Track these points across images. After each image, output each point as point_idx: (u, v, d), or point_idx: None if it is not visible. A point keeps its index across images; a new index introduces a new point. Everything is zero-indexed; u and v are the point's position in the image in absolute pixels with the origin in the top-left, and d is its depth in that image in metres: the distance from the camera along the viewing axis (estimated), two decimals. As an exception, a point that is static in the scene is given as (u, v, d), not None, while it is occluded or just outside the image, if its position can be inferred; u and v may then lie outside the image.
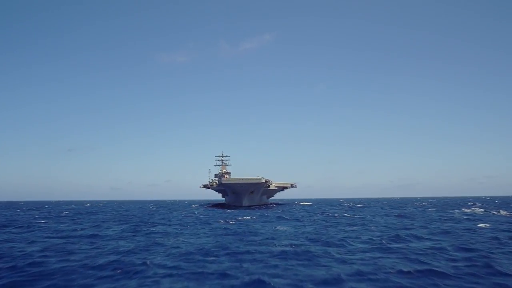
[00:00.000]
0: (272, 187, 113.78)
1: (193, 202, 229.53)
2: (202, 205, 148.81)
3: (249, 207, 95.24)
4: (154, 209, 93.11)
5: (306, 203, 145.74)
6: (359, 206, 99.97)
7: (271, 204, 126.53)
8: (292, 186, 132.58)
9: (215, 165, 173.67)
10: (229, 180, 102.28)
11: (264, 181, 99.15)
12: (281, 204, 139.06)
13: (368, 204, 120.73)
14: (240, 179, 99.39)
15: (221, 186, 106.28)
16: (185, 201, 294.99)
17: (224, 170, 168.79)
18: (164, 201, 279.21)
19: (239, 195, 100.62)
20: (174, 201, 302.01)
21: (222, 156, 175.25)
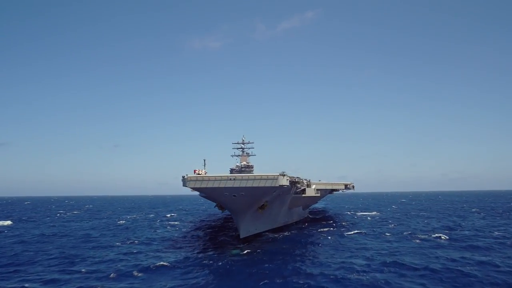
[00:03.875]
0: (309, 192, 48.06)
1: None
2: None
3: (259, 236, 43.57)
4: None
5: (367, 213, 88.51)
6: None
7: (307, 218, 69.04)
8: (347, 187, 66.36)
9: (232, 156, 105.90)
10: (199, 178, 38.49)
11: (286, 180, 34.41)
12: (327, 216, 69.55)
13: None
14: (222, 177, 35.78)
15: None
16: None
17: (245, 163, 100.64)
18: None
19: (234, 214, 41.88)
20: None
21: (243, 143, 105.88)
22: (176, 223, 67.98)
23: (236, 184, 36.94)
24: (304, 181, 46.39)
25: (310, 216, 79.99)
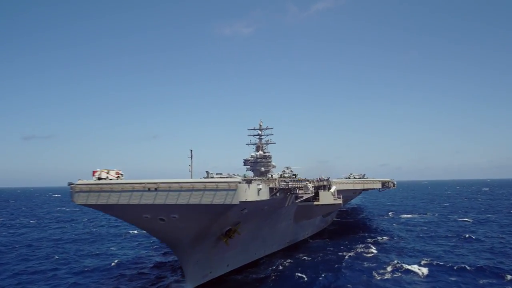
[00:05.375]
0: (325, 198, 25.84)
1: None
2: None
3: None
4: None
5: (416, 216, 67.41)
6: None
7: (331, 226, 51.94)
8: (385, 185, 43.87)
9: (247, 144, 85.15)
10: (93, 188, 18.02)
11: (259, 191, 13.02)
12: (360, 221, 57.75)
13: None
14: (134, 185, 14.67)
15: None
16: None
17: (261, 152, 79.45)
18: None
19: (173, 249, 23.09)
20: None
21: (260, 129, 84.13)
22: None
23: (160, 199, 18.30)
24: (309, 185, 27.01)
25: (336, 220, 59.86)
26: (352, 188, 42.68)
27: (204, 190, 17.75)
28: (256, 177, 25.19)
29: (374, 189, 48.64)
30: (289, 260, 30.99)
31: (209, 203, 17.79)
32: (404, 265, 29.03)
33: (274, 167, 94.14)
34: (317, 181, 32.63)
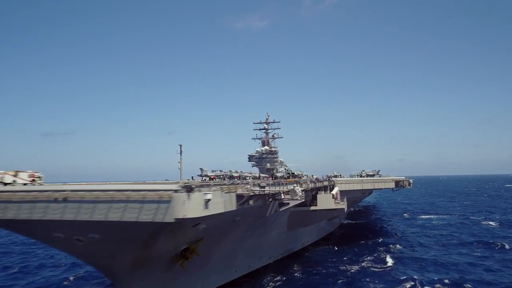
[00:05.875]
0: (324, 201, 19.04)
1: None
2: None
3: None
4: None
5: (434, 217, 60.38)
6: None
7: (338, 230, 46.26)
8: (399, 184, 36.85)
9: (253, 139, 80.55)
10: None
11: (209, 202, 7.90)
12: (372, 224, 50.49)
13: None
14: (38, 194, 9.17)
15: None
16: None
17: (266, 148, 74.10)
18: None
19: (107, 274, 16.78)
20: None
21: (266, 122, 79.81)
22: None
23: (70, 213, 12.88)
24: (297, 189, 20.90)
25: (345, 223, 53.68)
26: (361, 189, 36.56)
27: (127, 201, 12.31)
28: (205, 183, 19.22)
29: (386, 189, 42.45)
30: (279, 278, 25.30)
31: (134, 220, 12.37)
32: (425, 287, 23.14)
33: (281, 163, 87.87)
34: (314, 181, 26.63)
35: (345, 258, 31.11)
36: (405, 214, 64.54)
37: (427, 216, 61.62)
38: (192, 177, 52.56)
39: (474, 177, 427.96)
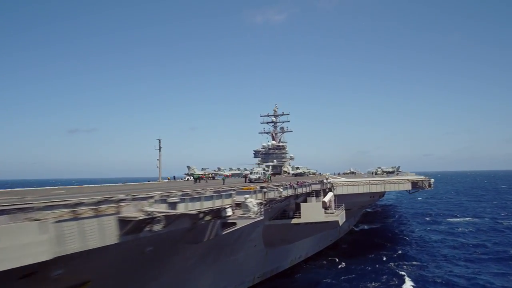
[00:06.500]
0: (309, 213, 10.98)
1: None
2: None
3: None
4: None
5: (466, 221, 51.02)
6: None
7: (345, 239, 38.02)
8: (418, 185, 28.55)
9: (261, 133, 73.16)
10: None
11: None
12: (387, 231, 44.11)
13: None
14: None
15: None
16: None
17: (274, 142, 65.30)
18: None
19: None
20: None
21: (274, 115, 71.85)
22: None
23: None
24: (250, 202, 13.84)
25: (357, 229, 46.35)
26: (368, 192, 29.23)
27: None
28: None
29: (401, 191, 34.95)
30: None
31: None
32: None
33: (291, 159, 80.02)
34: (294, 186, 19.32)
35: (346, 280, 24.23)
36: (427, 218, 56.48)
37: (452, 219, 53.59)
38: (174, 176, 45.99)
39: (506, 172, 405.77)
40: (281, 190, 16.46)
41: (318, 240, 29.81)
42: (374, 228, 47.82)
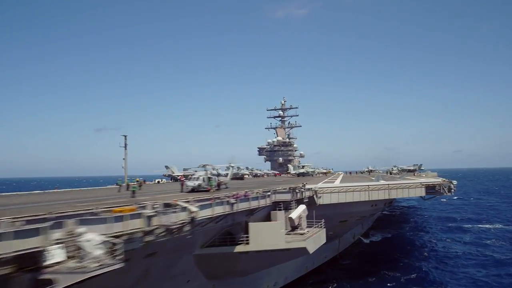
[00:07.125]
0: (259, 236, 5.35)
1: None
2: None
3: None
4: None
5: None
6: None
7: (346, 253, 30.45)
8: (435, 189, 20.71)
9: (267, 128, 65.31)
10: None
11: None
12: (403, 245, 33.90)
13: None
14: None
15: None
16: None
17: (280, 138, 57.09)
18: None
19: None
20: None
21: (282, 108, 64.03)
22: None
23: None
24: (87, 245, 7.99)
25: (365, 240, 39.35)
26: (368, 200, 22.28)
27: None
28: None
29: (411, 198, 27.78)
30: None
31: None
32: None
33: (301, 156, 72.42)
34: (229, 197, 12.14)
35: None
36: (451, 223, 48.70)
37: (481, 226, 45.76)
38: (144, 180, 39.39)
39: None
40: (194, 209, 10.05)
41: (303, 260, 23.19)
42: (387, 238, 40.69)
